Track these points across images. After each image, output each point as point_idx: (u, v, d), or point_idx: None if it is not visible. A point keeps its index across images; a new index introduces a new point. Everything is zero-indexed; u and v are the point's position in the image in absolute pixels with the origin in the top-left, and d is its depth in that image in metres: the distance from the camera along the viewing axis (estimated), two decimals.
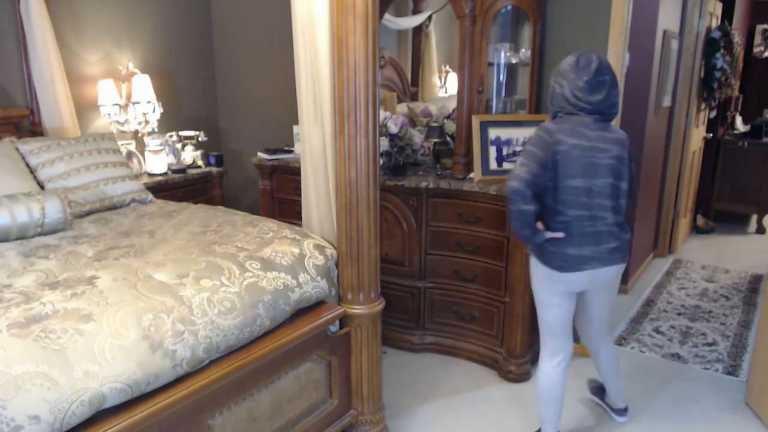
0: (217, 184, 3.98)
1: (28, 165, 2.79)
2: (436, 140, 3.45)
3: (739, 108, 6.07)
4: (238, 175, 4.57)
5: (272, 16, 4.10)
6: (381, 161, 3.09)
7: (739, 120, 6.06)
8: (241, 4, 4.29)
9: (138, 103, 3.77)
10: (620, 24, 2.86)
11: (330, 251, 2.31)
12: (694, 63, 4.72)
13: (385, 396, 2.54)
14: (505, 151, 3.00)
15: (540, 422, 2.37)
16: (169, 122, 4.13)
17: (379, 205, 2.27)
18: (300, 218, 2.60)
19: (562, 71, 2.11)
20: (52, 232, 2.44)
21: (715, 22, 5.10)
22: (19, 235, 2.36)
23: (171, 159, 3.84)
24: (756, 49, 6.46)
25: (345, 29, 2.03)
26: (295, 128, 3.63)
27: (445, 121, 3.67)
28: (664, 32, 4.07)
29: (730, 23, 5.35)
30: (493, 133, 2.99)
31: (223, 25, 4.44)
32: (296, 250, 2.21)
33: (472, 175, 3.02)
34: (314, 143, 2.38)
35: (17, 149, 2.82)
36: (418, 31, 3.96)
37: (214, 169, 3.96)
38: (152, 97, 3.81)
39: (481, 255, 2.98)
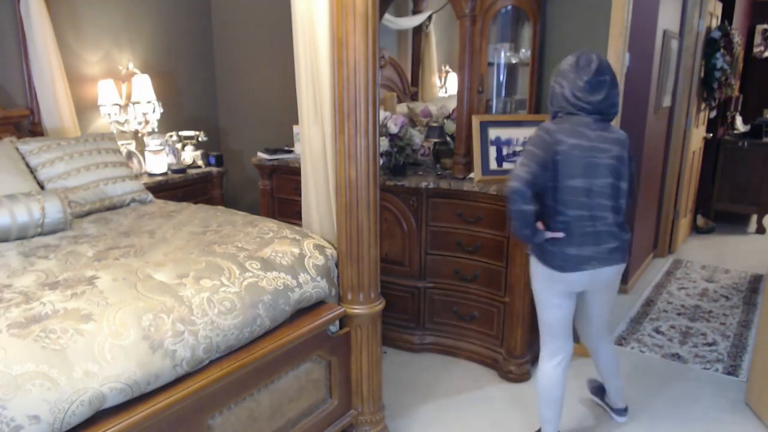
0: (217, 184, 3.98)
1: (28, 165, 2.79)
2: (436, 140, 3.45)
3: (739, 108, 6.07)
4: (238, 175, 4.57)
5: (272, 16, 4.10)
6: (381, 161, 3.09)
7: (739, 120, 6.06)
8: (241, 4, 4.30)
9: (138, 103, 3.77)
10: (620, 24, 2.86)
11: (330, 251, 2.31)
12: (694, 63, 4.72)
13: (385, 396, 2.54)
14: (505, 151, 3.00)
15: (540, 422, 2.37)
16: (169, 122, 4.13)
17: (379, 205, 2.27)
18: (300, 218, 2.60)
19: (562, 71, 2.11)
20: (52, 232, 2.44)
21: (715, 22, 5.10)
22: (19, 235, 2.36)
23: (171, 159, 3.84)
24: (756, 49, 6.46)
25: (345, 29, 2.03)
26: (295, 128, 3.63)
27: (445, 121, 3.67)
28: (664, 32, 4.07)
29: (730, 23, 5.35)
30: (493, 133, 2.99)
31: (223, 25, 4.44)
32: (296, 250, 2.21)
33: (472, 175, 3.02)
34: (314, 143, 2.38)
35: (17, 149, 2.82)
36: (418, 31, 3.96)
37: (214, 169, 3.96)
38: (152, 97, 3.81)
39: (481, 255, 2.98)
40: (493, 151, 2.99)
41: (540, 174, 2.04)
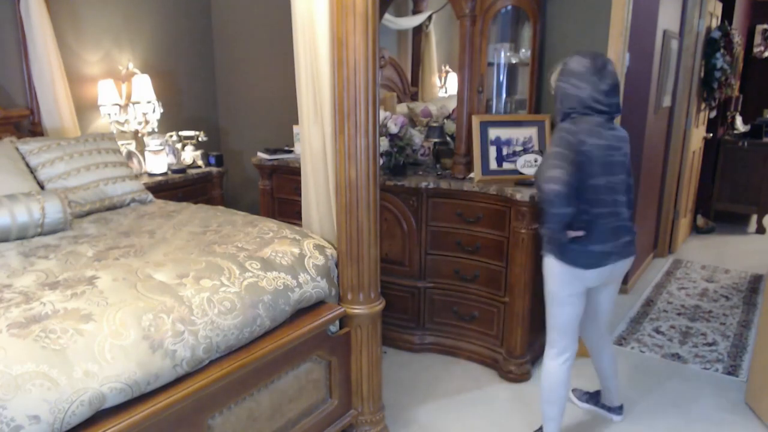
0: (217, 184, 3.98)
1: (28, 165, 2.79)
2: (436, 140, 3.45)
3: (739, 108, 6.07)
4: (238, 175, 4.57)
5: (272, 16, 4.10)
6: (381, 161, 3.09)
7: (739, 120, 6.06)
8: (241, 4, 4.29)
9: (138, 103, 3.77)
10: (620, 24, 2.86)
11: (330, 251, 2.31)
12: (694, 63, 4.72)
13: (385, 396, 2.54)
14: (505, 151, 3.00)
15: (542, 420, 2.38)
16: (169, 122, 4.13)
17: (379, 205, 2.27)
18: (300, 218, 2.60)
19: (576, 73, 2.10)
20: (52, 232, 2.44)
21: (715, 22, 5.10)
22: (19, 235, 2.36)
23: (171, 159, 3.84)
24: (756, 49, 6.46)
25: (345, 29, 2.03)
26: (295, 128, 3.62)
27: (445, 121, 3.67)
28: (664, 32, 4.07)
29: (730, 23, 5.35)
30: (493, 133, 2.99)
31: (223, 25, 4.44)
32: (296, 250, 2.21)
33: (472, 175, 3.02)
34: (314, 143, 2.38)
35: (17, 149, 2.82)
36: (418, 31, 3.96)
37: (214, 169, 3.96)
38: (152, 97, 3.81)
39: (481, 255, 2.98)
40: (493, 151, 2.99)
41: (574, 173, 2.04)
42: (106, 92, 3.67)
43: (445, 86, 4.12)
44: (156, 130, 3.92)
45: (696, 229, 5.74)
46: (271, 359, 1.97)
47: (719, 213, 5.90)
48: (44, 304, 1.63)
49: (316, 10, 2.19)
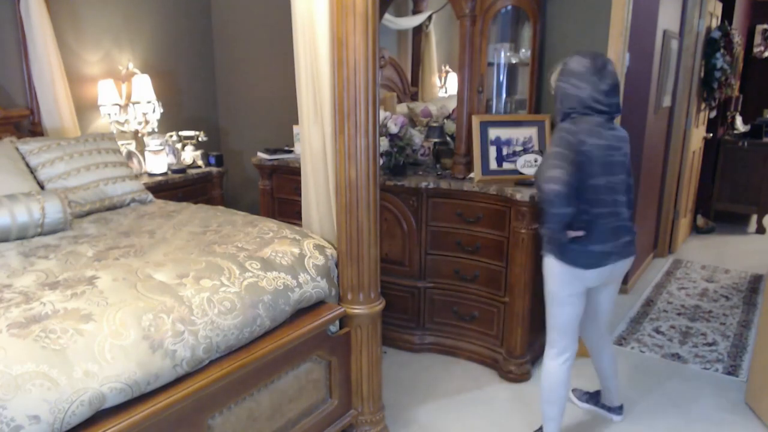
0: (217, 184, 3.98)
1: (28, 165, 2.79)
2: (436, 140, 3.45)
3: (739, 108, 6.07)
4: (238, 175, 4.57)
5: (272, 16, 4.10)
6: (381, 161, 3.09)
7: (739, 120, 6.06)
8: (241, 4, 4.30)
9: (138, 103, 3.77)
10: (620, 24, 2.86)
11: (330, 251, 2.31)
12: (694, 63, 4.72)
13: (385, 396, 2.54)
14: (505, 151, 3.00)
15: (542, 420, 2.38)
16: (169, 122, 4.13)
17: (379, 205, 2.27)
18: (300, 218, 2.60)
19: (576, 72, 2.10)
20: (52, 232, 2.44)
21: (715, 22, 5.10)
22: (19, 235, 2.36)
23: (171, 159, 3.84)
24: (756, 49, 6.46)
25: (345, 29, 2.03)
26: (295, 128, 3.62)
27: (445, 121, 3.67)
28: (664, 32, 4.07)
29: (730, 23, 5.35)
30: (493, 133, 2.99)
31: (223, 25, 4.44)
32: (296, 250, 2.21)
33: (472, 175, 3.02)
34: (314, 143, 2.38)
35: (17, 149, 2.82)
36: (418, 31, 3.96)
37: (214, 169, 3.96)
38: (152, 97, 3.81)
39: (481, 255, 2.98)
40: (493, 151, 2.99)
41: (574, 173, 2.04)
42: (106, 92, 3.67)
43: (445, 86, 4.12)
44: (156, 130, 3.92)
45: (696, 229, 5.74)
46: (271, 359, 1.97)
47: (719, 213, 5.90)
48: (44, 304, 1.63)
49: (316, 10, 2.19)
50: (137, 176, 3.29)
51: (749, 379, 2.81)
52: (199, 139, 3.99)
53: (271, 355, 1.96)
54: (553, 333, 2.30)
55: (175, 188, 3.69)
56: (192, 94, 4.43)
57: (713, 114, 5.63)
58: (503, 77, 3.18)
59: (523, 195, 2.72)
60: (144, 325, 1.64)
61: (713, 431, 2.58)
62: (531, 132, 3.03)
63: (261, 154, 3.62)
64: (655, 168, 4.49)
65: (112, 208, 2.89)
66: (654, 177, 4.50)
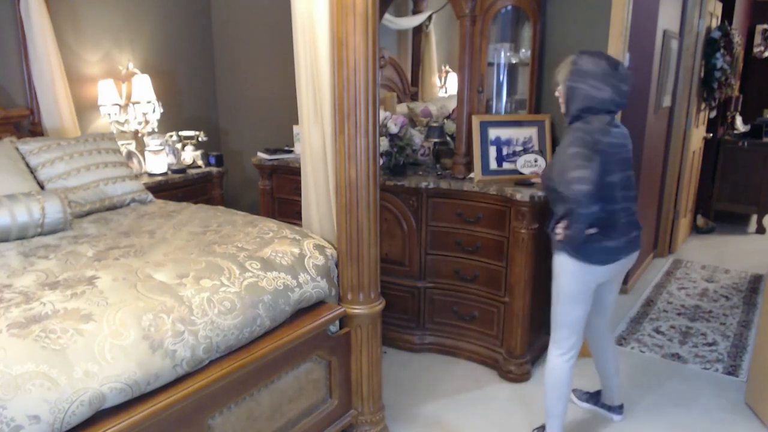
0: (217, 184, 3.98)
1: (28, 165, 2.79)
2: (436, 140, 3.45)
3: (739, 108, 6.07)
4: (238, 175, 4.57)
5: (272, 16, 4.10)
6: (381, 161, 3.09)
7: (739, 120, 6.06)
8: (241, 4, 4.29)
9: (138, 103, 3.77)
10: (620, 24, 2.86)
11: (330, 251, 2.31)
12: (694, 63, 4.72)
13: (385, 396, 2.54)
14: (505, 151, 3.00)
15: (546, 417, 2.39)
16: (169, 122, 4.13)
17: (379, 205, 2.27)
18: (300, 218, 2.60)
19: (594, 74, 2.10)
20: (52, 232, 2.44)
21: (715, 22, 5.10)
22: (19, 235, 2.36)
23: (171, 159, 3.84)
24: (756, 49, 6.46)
25: (345, 29, 2.03)
26: (295, 128, 3.62)
27: (445, 121, 3.67)
28: (664, 32, 4.07)
29: (730, 23, 5.35)
30: (493, 133, 2.99)
31: (223, 25, 4.44)
32: (296, 250, 2.21)
33: (472, 175, 3.02)
34: (314, 143, 2.38)
35: (17, 149, 2.82)
36: (418, 31, 3.96)
37: (214, 169, 3.96)
38: (152, 97, 3.81)
39: (481, 255, 2.97)
40: (493, 151, 2.99)
41: (599, 171, 2.05)
42: (106, 92, 3.67)
43: (445, 86, 4.12)
44: (156, 130, 3.92)
45: (696, 229, 5.73)
46: (271, 359, 1.97)
47: (719, 213, 5.90)
48: (44, 304, 1.63)
49: (316, 10, 2.19)
50: (137, 176, 3.29)
51: (749, 379, 2.81)
52: (199, 139, 3.99)
53: (271, 355, 1.96)
54: (562, 331, 2.30)
55: (175, 188, 3.69)
56: (192, 94, 4.43)
57: (713, 114, 5.63)
58: (503, 77, 3.18)
59: (523, 195, 2.72)
60: (144, 325, 1.64)
61: (713, 431, 2.58)
62: (531, 132, 3.03)
63: (261, 154, 3.62)
64: (655, 168, 4.49)
65: (112, 208, 2.89)
66: (654, 177, 4.50)
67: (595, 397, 2.70)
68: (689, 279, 4.44)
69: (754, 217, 5.86)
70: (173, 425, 1.68)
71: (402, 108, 3.84)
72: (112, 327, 1.59)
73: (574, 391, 2.77)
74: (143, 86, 3.76)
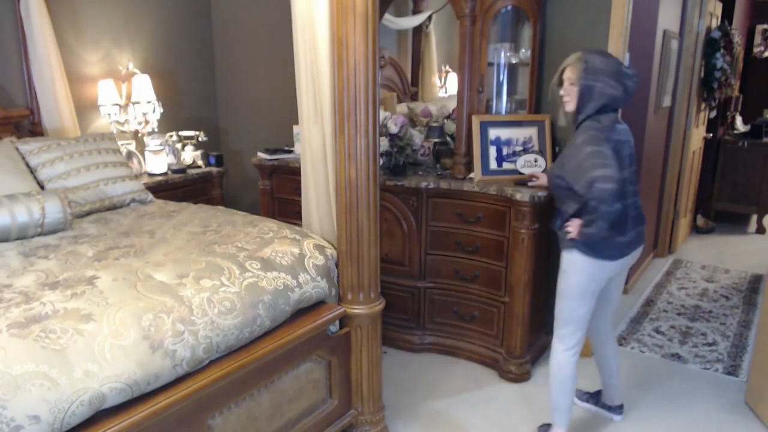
0: (217, 184, 3.98)
1: (28, 165, 2.79)
2: (436, 140, 3.45)
3: (739, 108, 6.07)
4: (238, 175, 4.57)
5: (272, 16, 4.10)
6: (381, 161, 3.09)
7: (739, 120, 6.06)
8: (241, 4, 4.30)
9: (138, 103, 3.77)
10: (620, 24, 2.86)
11: (330, 251, 2.31)
12: (694, 63, 4.72)
13: (385, 396, 2.54)
14: (505, 151, 3.00)
15: (553, 413, 2.40)
16: (169, 122, 4.13)
17: (379, 205, 2.27)
18: (300, 218, 2.60)
19: (608, 72, 2.12)
20: (52, 232, 2.44)
21: (715, 22, 5.10)
22: (19, 235, 2.36)
23: (171, 159, 3.84)
24: (756, 49, 6.46)
25: (345, 29, 2.03)
26: (295, 128, 3.62)
27: (445, 121, 3.67)
28: (664, 32, 4.07)
29: (730, 23, 5.35)
30: (493, 133, 2.99)
31: (223, 25, 4.44)
32: (296, 250, 2.21)
33: (472, 175, 3.02)
34: (314, 143, 2.38)
35: (17, 149, 2.82)
36: (418, 31, 3.96)
37: (214, 169, 3.96)
38: (152, 97, 3.81)
39: (481, 255, 2.97)
40: (493, 151, 2.99)
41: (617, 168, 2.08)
42: (106, 92, 3.67)
43: (445, 86, 4.12)
44: (156, 130, 3.92)
45: (696, 229, 5.74)
46: (271, 359, 1.97)
47: (719, 213, 5.90)
48: (44, 304, 1.63)
49: (316, 10, 2.19)
50: (137, 176, 3.29)
51: (749, 379, 2.81)
52: (199, 139, 3.99)
53: (271, 355, 1.96)
54: (568, 327, 2.31)
55: (175, 188, 3.69)
56: (192, 94, 4.43)
57: (713, 114, 5.63)
58: (503, 77, 3.18)
59: (523, 195, 2.72)
60: (144, 325, 1.64)
61: (713, 431, 2.58)
62: (531, 132, 3.03)
63: (261, 154, 3.62)
64: (655, 168, 4.49)
65: (112, 208, 2.89)
66: (654, 177, 4.50)
67: (595, 397, 2.70)
68: (689, 279, 4.44)
69: (754, 217, 5.86)
70: (173, 425, 1.68)
71: (402, 108, 3.84)
72: (112, 327, 1.59)
73: (576, 391, 2.77)
74: (143, 86, 3.76)
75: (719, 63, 4.91)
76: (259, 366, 1.93)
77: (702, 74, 4.94)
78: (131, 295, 1.72)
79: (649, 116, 4.01)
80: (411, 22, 3.89)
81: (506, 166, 2.98)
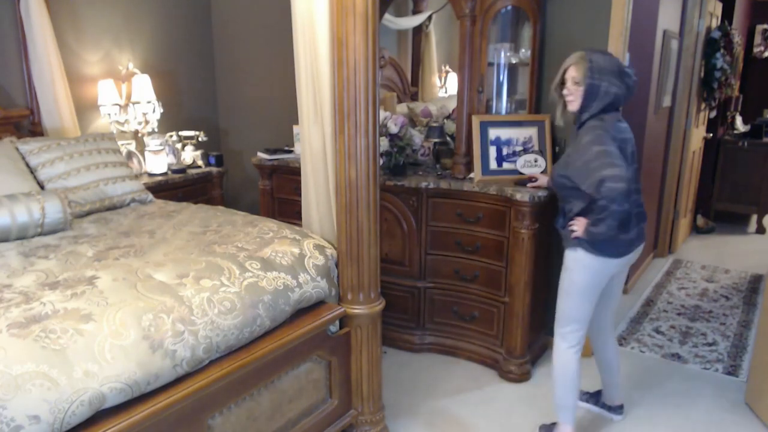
0: (217, 184, 3.98)
1: (28, 165, 2.79)
2: (436, 140, 3.45)
3: (739, 108, 6.07)
4: (238, 175, 4.57)
5: (272, 16, 4.10)
6: (381, 161, 3.09)
7: (739, 120, 6.06)
8: (241, 4, 4.29)
9: (138, 103, 3.77)
10: (620, 24, 2.86)
11: (330, 251, 2.31)
12: (694, 63, 4.72)
13: (385, 396, 2.54)
14: (505, 151, 3.00)
15: (558, 411, 2.40)
16: (169, 122, 4.13)
17: (379, 205, 2.27)
18: (300, 218, 2.60)
19: (614, 71, 2.13)
20: (52, 232, 2.43)
21: (715, 22, 5.10)
22: (19, 235, 2.36)
23: (171, 159, 3.84)
24: (756, 49, 6.46)
25: (345, 29, 2.03)
26: (295, 128, 3.63)
27: (445, 121, 3.67)
28: (664, 32, 4.07)
29: (730, 23, 5.35)
30: (493, 133, 2.99)
31: (223, 25, 4.44)
32: (296, 250, 2.21)
33: (472, 175, 3.02)
34: (314, 143, 2.38)
35: (17, 149, 2.82)
36: (418, 31, 3.96)
37: (214, 169, 3.96)
38: (152, 97, 3.81)
39: (481, 255, 2.97)
40: (493, 151, 2.99)
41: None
42: (106, 92, 3.67)
43: (445, 86, 4.12)
44: (156, 130, 3.92)
45: (696, 229, 5.74)
46: (271, 359, 1.97)
47: (719, 213, 5.90)
48: (44, 304, 1.63)
49: (316, 10, 2.19)
50: (137, 176, 3.29)
51: (749, 379, 2.81)
52: (199, 139, 3.99)
53: (271, 355, 1.96)
54: (571, 325, 2.31)
55: (175, 188, 3.69)
56: (192, 94, 4.43)
57: (713, 114, 5.63)
58: (503, 77, 3.18)
59: (523, 195, 2.72)
60: (144, 325, 1.64)
61: (713, 431, 2.58)
62: (531, 132, 3.03)
63: (261, 154, 3.62)
64: (655, 168, 4.49)
65: (112, 208, 2.89)
66: (654, 177, 4.50)
67: (595, 397, 2.70)
68: (689, 279, 4.44)
69: (754, 217, 5.86)
70: (173, 425, 1.68)
71: (402, 108, 3.84)
72: (112, 327, 1.59)
73: None
74: (143, 86, 3.76)
75: (719, 63, 4.91)
76: (259, 366, 1.93)
77: (702, 74, 4.94)
78: (131, 295, 1.72)
79: (649, 116, 4.02)
80: (411, 22, 3.89)
81: (506, 166, 2.98)
